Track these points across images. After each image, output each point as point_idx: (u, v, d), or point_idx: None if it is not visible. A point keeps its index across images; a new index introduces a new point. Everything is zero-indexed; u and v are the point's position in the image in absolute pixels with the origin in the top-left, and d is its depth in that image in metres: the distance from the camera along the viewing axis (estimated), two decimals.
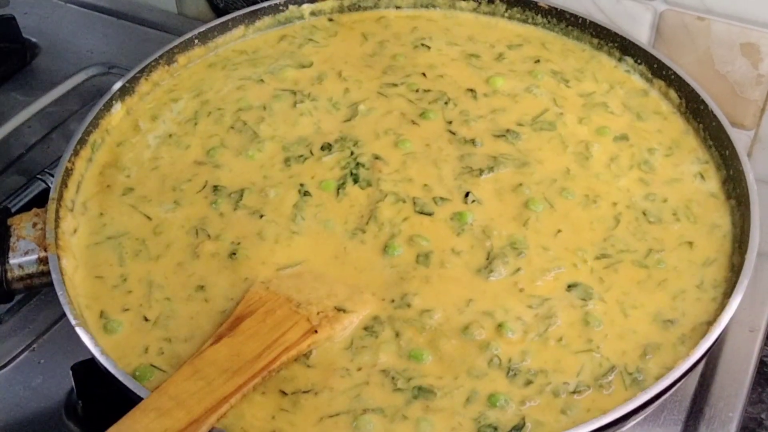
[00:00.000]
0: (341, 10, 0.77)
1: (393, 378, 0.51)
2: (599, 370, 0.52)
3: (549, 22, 0.74)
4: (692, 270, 0.57)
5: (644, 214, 0.60)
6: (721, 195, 0.62)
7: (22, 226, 0.57)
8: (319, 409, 0.50)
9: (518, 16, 0.76)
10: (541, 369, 0.52)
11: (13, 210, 0.69)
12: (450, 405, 0.50)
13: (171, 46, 0.71)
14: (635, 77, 0.71)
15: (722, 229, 0.60)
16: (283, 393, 0.51)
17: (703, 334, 0.52)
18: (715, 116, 0.64)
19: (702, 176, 0.63)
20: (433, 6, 0.77)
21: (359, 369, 0.52)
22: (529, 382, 0.51)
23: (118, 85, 0.67)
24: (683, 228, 0.60)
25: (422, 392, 0.51)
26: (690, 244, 0.58)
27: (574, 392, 0.51)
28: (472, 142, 0.65)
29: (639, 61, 0.70)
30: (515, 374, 0.51)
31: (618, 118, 0.67)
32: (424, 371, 0.52)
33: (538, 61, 0.72)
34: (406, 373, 0.52)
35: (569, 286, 0.56)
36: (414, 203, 0.61)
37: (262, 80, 0.71)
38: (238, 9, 0.75)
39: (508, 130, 0.66)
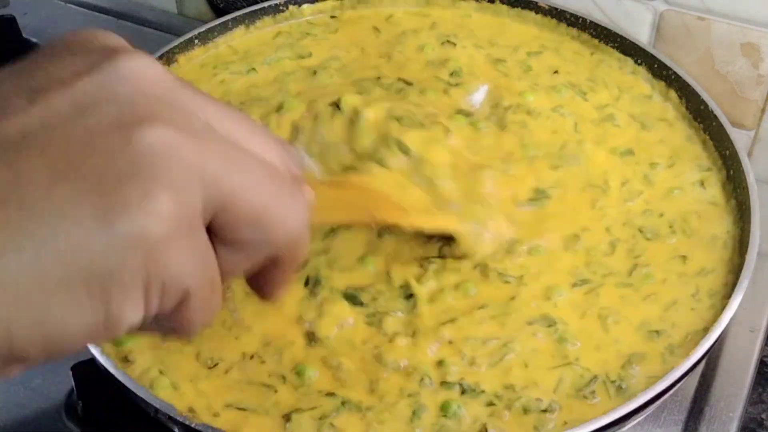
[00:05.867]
0: (342, 9, 0.77)
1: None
2: (581, 381, 0.51)
3: (549, 22, 0.74)
4: (684, 280, 0.56)
5: (641, 230, 0.59)
6: (722, 197, 0.61)
7: None
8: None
9: (517, 16, 0.75)
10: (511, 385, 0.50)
11: None
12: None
13: (171, 46, 0.71)
14: (638, 78, 0.70)
15: (721, 237, 0.58)
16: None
17: (700, 339, 0.51)
18: (715, 116, 0.63)
19: (702, 184, 0.62)
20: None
21: None
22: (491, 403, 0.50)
23: None
24: (679, 241, 0.58)
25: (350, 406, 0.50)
26: (684, 257, 0.57)
27: (546, 410, 0.49)
28: None
29: (639, 61, 0.70)
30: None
31: (624, 131, 0.65)
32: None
33: (556, 72, 0.70)
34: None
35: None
36: None
37: (254, 69, 0.71)
38: (238, 9, 0.75)
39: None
